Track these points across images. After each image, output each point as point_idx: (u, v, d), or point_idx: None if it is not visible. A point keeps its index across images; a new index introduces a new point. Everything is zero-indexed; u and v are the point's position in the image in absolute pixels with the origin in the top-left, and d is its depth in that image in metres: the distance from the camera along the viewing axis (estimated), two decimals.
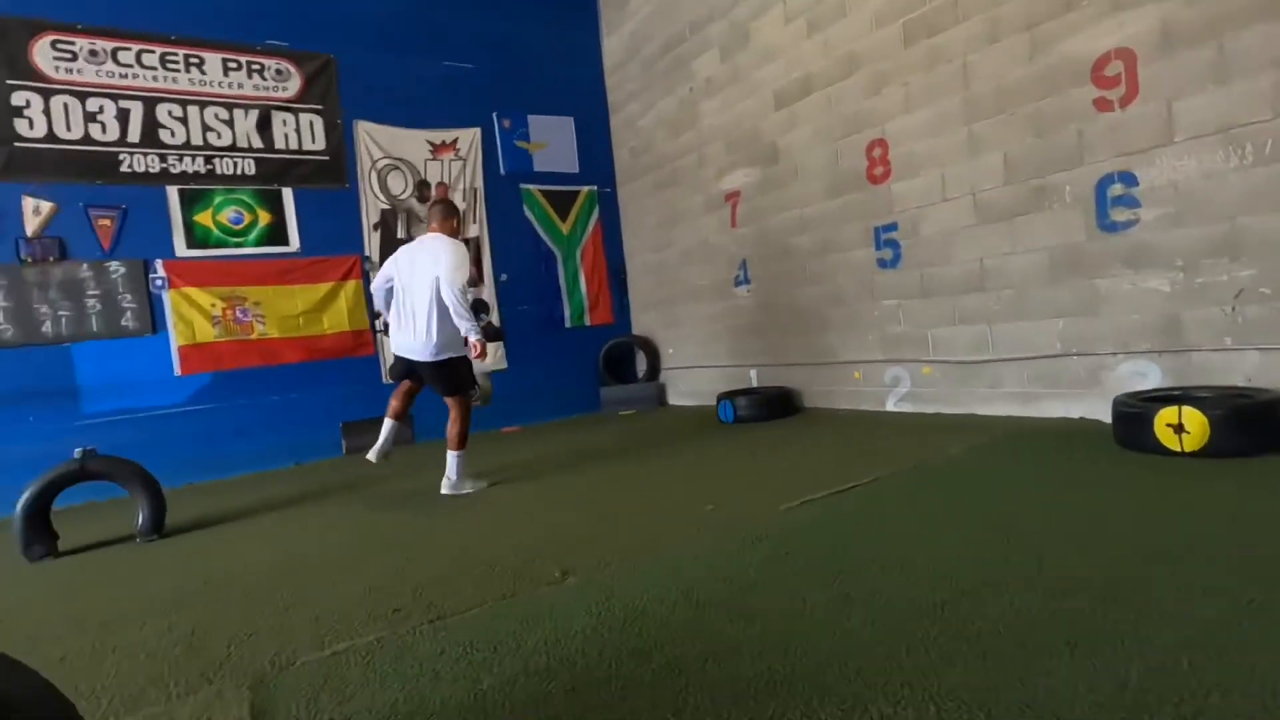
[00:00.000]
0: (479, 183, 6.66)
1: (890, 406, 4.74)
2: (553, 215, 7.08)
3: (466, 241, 6.57)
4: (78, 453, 3.37)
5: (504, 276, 6.76)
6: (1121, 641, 1.41)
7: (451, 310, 3.48)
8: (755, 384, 5.84)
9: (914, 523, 2.37)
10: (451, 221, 3.74)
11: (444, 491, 3.70)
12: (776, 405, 5.19)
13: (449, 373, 3.66)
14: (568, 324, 7.13)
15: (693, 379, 6.65)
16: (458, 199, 6.50)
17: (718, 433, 4.89)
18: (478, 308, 6.58)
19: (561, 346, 7.03)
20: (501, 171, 6.77)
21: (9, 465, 4.33)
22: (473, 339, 3.53)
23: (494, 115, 6.72)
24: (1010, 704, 1.24)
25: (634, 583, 2.05)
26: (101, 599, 2.54)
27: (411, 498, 3.80)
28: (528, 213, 6.93)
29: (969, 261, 4.13)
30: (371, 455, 3.88)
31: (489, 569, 2.35)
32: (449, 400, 3.71)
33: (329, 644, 1.86)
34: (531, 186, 6.94)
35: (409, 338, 3.61)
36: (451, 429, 3.69)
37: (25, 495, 3.29)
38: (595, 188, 7.30)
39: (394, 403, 3.92)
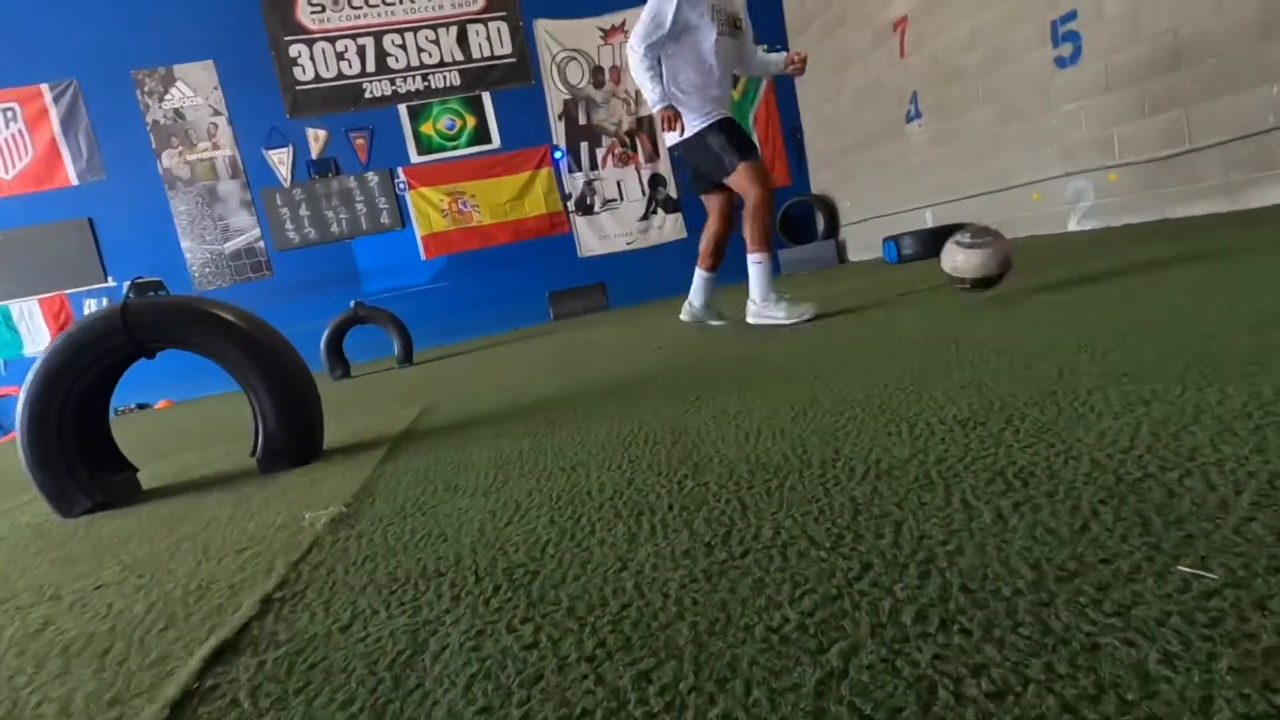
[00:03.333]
0: None
1: (1072, 226, 4.29)
2: None
3: (639, 121, 7.00)
4: (352, 303, 4.66)
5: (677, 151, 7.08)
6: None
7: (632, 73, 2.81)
8: (930, 224, 5.57)
9: (938, 308, 2.42)
10: None
11: (750, 320, 2.89)
12: (943, 241, 4.95)
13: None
14: None
15: (870, 231, 6.48)
16: (628, 81, 6.90)
17: (872, 272, 4.87)
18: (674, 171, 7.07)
19: (738, 213, 7.24)
20: None
21: (321, 331, 5.98)
22: (654, 110, 2.80)
23: None
24: (872, 385, 1.47)
25: (709, 349, 2.49)
26: (384, 394, 3.65)
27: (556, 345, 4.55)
28: None
29: (1161, 35, 3.51)
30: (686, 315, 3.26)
31: (609, 374, 2.94)
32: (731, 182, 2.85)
33: (470, 395, 2.63)
34: None
35: None
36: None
37: (324, 334, 4.68)
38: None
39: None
